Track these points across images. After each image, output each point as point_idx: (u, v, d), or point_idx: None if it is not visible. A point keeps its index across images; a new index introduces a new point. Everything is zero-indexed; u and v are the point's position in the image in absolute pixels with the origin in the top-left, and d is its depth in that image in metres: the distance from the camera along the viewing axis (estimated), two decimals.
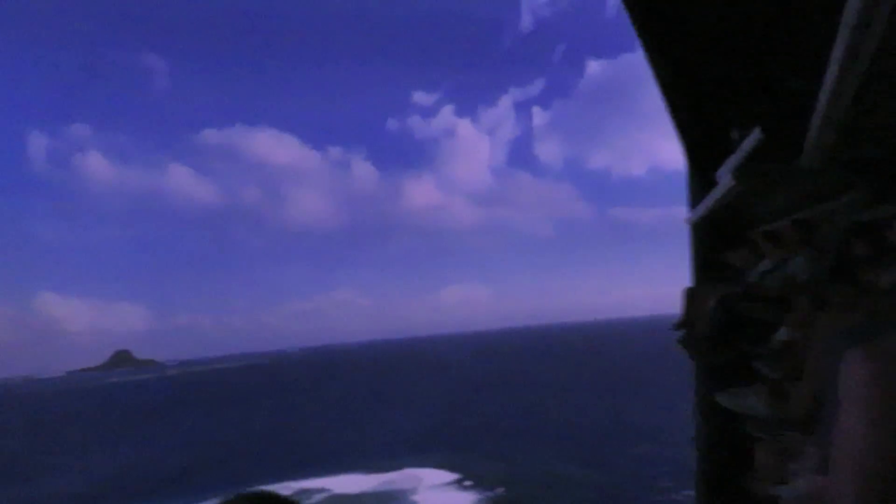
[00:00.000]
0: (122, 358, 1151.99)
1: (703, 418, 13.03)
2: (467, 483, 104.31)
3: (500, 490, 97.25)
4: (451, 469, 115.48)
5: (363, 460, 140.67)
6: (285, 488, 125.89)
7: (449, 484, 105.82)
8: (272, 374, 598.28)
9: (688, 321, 9.18)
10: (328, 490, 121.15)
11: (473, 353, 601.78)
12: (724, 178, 7.24)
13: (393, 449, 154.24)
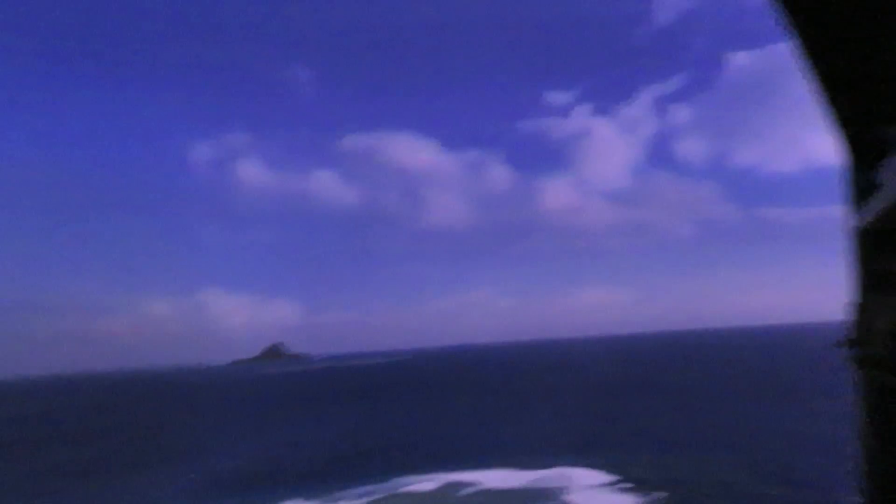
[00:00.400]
0: (275, 351, 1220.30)
1: (876, 440, 11.20)
2: (626, 485, 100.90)
3: (661, 494, 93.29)
4: (608, 470, 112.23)
5: (512, 457, 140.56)
6: (435, 480, 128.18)
7: (606, 485, 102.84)
8: (414, 370, 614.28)
9: (859, 339, 7.68)
10: (478, 484, 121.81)
11: (612, 356, 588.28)
12: (892, 179, 5.86)
13: (540, 447, 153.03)
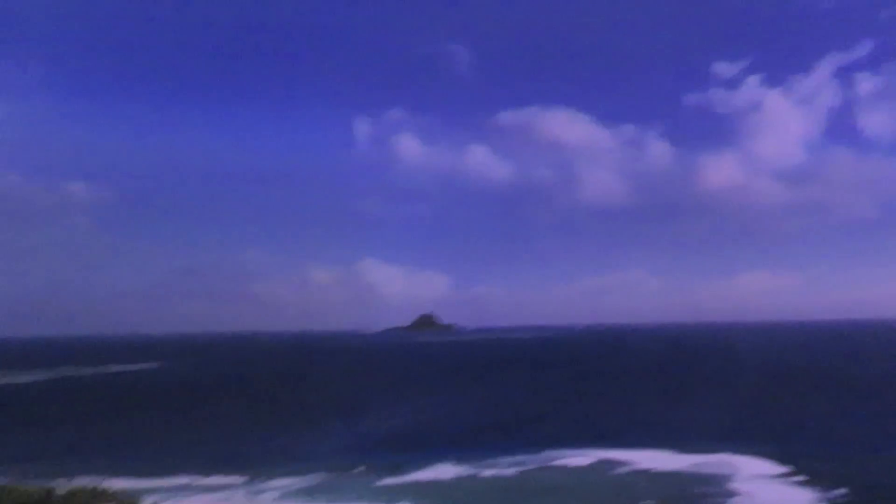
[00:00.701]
0: (425, 320, 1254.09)
1: None
2: (800, 478, 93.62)
3: (841, 491, 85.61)
4: (776, 460, 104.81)
5: (669, 439, 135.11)
6: (588, 455, 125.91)
7: (776, 476, 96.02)
8: (563, 346, 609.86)
9: None
10: (633, 463, 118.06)
11: (775, 343, 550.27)
12: None
13: (700, 431, 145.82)
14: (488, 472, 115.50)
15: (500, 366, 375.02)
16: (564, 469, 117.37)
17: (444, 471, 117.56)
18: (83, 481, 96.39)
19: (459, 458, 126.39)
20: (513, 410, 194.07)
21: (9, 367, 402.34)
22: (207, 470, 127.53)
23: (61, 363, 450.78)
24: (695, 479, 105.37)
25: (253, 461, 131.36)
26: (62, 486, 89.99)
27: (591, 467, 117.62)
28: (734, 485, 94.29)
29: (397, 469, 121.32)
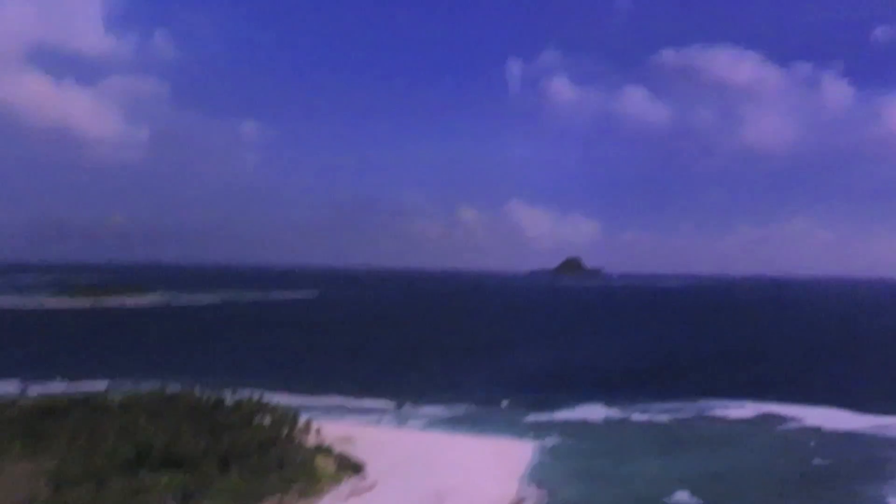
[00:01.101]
0: (571, 264, 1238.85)
1: None
2: None
3: None
4: None
5: (840, 397, 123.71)
6: (747, 408, 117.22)
7: None
8: (717, 296, 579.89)
9: None
10: (799, 419, 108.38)
11: None
12: None
13: (875, 391, 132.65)
14: (640, 417, 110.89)
15: (650, 312, 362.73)
16: (723, 420, 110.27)
17: (593, 412, 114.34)
18: (247, 394, 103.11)
19: (609, 401, 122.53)
20: (665, 357, 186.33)
21: (184, 290, 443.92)
22: (359, 393, 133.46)
23: (229, 288, 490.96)
24: (877, 442, 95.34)
25: (401, 388, 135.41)
26: (229, 397, 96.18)
27: (753, 421, 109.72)
28: None
29: (544, 406, 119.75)
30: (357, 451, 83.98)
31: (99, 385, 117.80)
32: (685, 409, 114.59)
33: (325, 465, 77.50)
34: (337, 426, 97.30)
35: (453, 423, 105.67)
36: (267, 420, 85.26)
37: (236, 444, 72.39)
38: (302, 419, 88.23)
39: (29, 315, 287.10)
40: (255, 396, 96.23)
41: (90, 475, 61.12)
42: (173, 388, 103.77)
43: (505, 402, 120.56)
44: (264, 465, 70.77)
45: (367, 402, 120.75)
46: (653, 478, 75.84)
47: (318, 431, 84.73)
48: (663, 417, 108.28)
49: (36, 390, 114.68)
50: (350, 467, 77.05)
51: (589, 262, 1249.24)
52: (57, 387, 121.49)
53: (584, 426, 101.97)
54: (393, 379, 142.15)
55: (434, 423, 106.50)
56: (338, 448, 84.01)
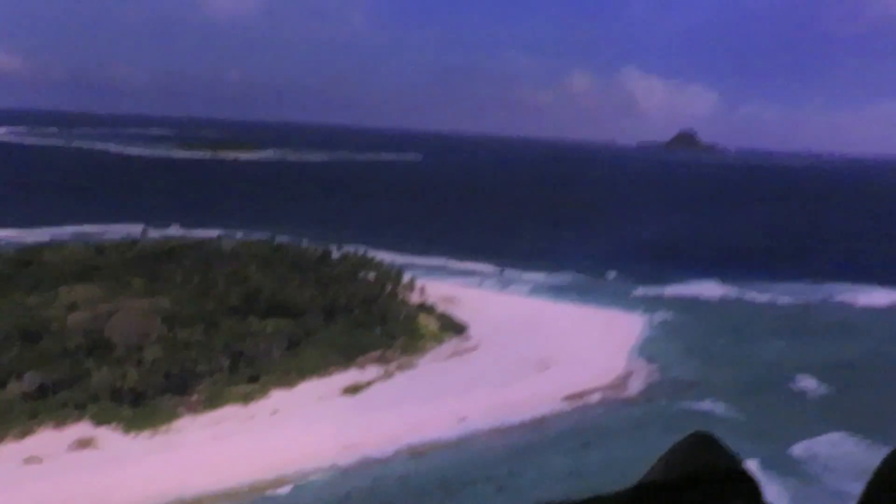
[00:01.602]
0: (685, 138, 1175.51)
1: None
2: None
3: None
4: None
5: None
6: (871, 294, 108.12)
7: None
8: (851, 178, 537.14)
9: None
10: None
11: None
12: None
13: None
14: (759, 298, 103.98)
15: (770, 191, 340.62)
16: (852, 307, 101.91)
17: (708, 289, 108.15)
18: (352, 250, 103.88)
19: (725, 279, 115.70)
20: (788, 238, 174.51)
21: (295, 148, 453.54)
22: (462, 255, 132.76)
23: (337, 148, 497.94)
24: None
25: (505, 254, 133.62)
26: (335, 251, 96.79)
27: (886, 309, 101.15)
28: None
29: (654, 280, 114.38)
30: (460, 312, 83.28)
31: (212, 233, 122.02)
32: (809, 293, 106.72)
33: (427, 323, 77.15)
34: (440, 286, 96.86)
35: (557, 292, 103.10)
36: (371, 276, 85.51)
37: (341, 296, 72.70)
38: (406, 277, 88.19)
39: (154, 163, 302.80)
40: (361, 252, 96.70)
41: (201, 317, 62.85)
42: (282, 239, 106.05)
43: (612, 274, 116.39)
44: (367, 318, 70.91)
45: (470, 265, 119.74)
46: (773, 361, 71.09)
47: (421, 290, 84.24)
48: (785, 299, 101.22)
49: (156, 234, 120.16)
50: (452, 328, 76.39)
51: (704, 137, 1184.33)
52: (174, 232, 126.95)
53: (697, 303, 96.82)
54: (497, 244, 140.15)
55: (538, 290, 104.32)
56: (441, 308, 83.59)
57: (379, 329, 69.25)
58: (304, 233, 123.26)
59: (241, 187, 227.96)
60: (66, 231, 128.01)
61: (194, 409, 52.92)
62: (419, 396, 57.69)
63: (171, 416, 51.70)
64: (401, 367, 64.68)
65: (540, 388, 61.06)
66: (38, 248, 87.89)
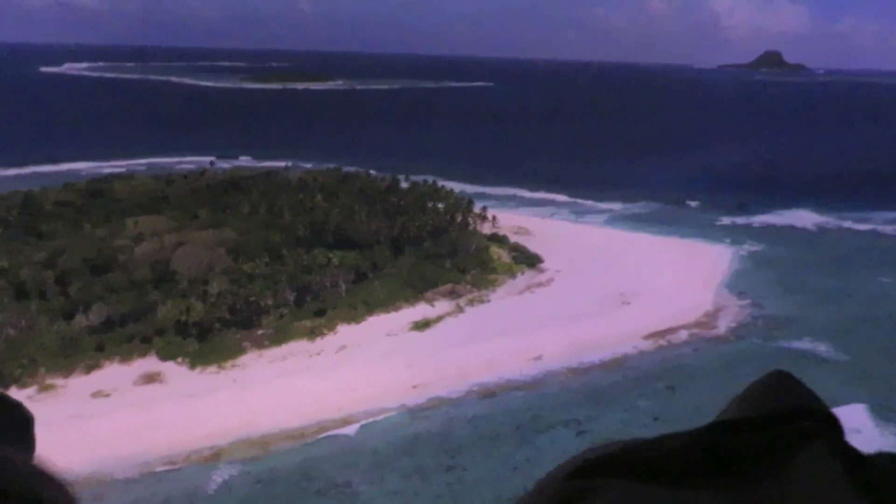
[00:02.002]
0: (770, 58, 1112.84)
1: None
2: None
3: None
4: None
5: None
6: None
7: None
8: None
9: None
10: None
11: None
12: None
13: None
14: (858, 226, 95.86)
15: (865, 114, 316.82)
16: None
17: (801, 217, 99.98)
18: (420, 179, 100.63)
19: (819, 207, 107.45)
20: (889, 162, 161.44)
21: (364, 77, 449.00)
22: (534, 185, 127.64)
23: (406, 77, 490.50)
24: None
25: (578, 183, 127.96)
26: (403, 181, 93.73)
27: None
28: None
29: (741, 209, 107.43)
30: (533, 244, 79.41)
31: (280, 164, 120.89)
32: None
33: (500, 255, 73.77)
34: (513, 216, 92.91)
35: (635, 221, 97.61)
36: (441, 206, 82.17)
37: (410, 227, 69.87)
38: (477, 207, 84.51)
39: (225, 94, 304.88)
40: (430, 182, 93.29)
41: (267, 249, 61.21)
42: (350, 169, 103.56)
43: (694, 203, 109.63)
44: (437, 251, 68.01)
45: (542, 195, 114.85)
46: (878, 295, 64.89)
47: (493, 220, 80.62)
48: (888, 229, 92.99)
49: (225, 165, 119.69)
50: (526, 260, 72.78)
51: (790, 58, 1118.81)
52: (244, 163, 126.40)
53: (791, 232, 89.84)
54: (568, 173, 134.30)
55: (614, 220, 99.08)
56: (513, 239, 79.93)
57: (449, 262, 66.29)
58: (372, 162, 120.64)
59: (310, 117, 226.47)
60: (141, 163, 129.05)
61: (259, 343, 51.61)
62: (491, 333, 54.76)
63: (236, 351, 50.58)
64: (472, 302, 61.78)
65: (620, 326, 57.12)
66: (109, 178, 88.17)
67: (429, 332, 56.24)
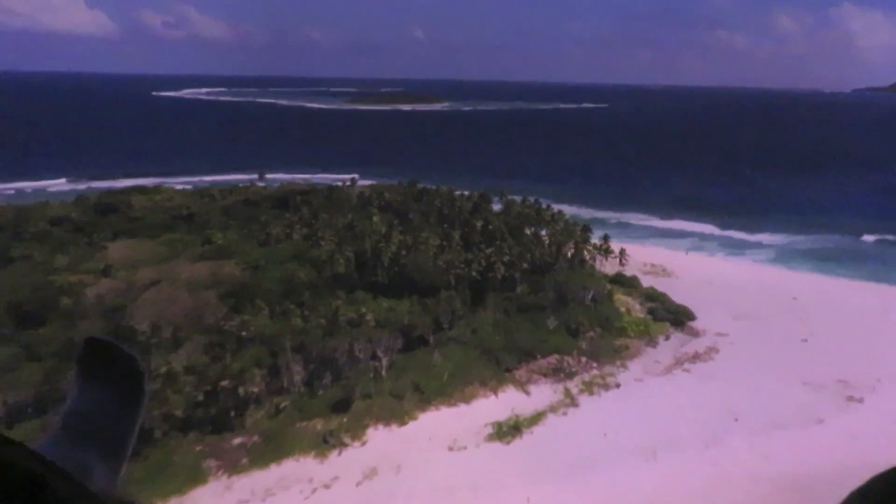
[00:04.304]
0: None
1: None
2: None
3: None
4: None
5: None
6: None
7: None
8: None
9: None
10: None
11: None
12: None
13: None
14: None
15: None
16: None
17: None
18: (518, 198, 79.37)
19: None
20: None
21: (473, 100, 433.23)
22: (665, 212, 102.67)
23: (517, 98, 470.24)
24: None
25: (721, 209, 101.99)
26: (497, 198, 72.87)
27: None
28: None
29: None
30: (676, 290, 55.89)
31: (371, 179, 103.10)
32: None
33: (629, 306, 50.97)
34: (641, 250, 69.92)
35: (815, 260, 71.94)
36: (544, 233, 60.27)
37: (497, 262, 48.40)
38: (595, 237, 62.17)
39: (329, 114, 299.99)
40: (531, 201, 71.64)
41: (285, 289, 41.61)
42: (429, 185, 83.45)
43: (872, 238, 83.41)
44: (537, 299, 46.12)
45: (679, 223, 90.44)
46: None
47: (621, 256, 57.92)
48: None
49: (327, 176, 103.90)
50: (668, 315, 49.53)
51: None
52: (319, 177, 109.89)
53: None
54: (710, 196, 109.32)
55: (784, 258, 73.67)
56: (646, 282, 57.08)
57: (554, 317, 44.35)
58: (467, 182, 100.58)
59: (415, 136, 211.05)
60: (226, 178, 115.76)
61: (233, 462, 31.56)
62: (625, 449, 32.57)
63: (191, 476, 30.89)
64: (591, 387, 39.58)
65: (862, 447, 32.86)
66: (127, 191, 72.14)
67: (521, 445, 34.31)
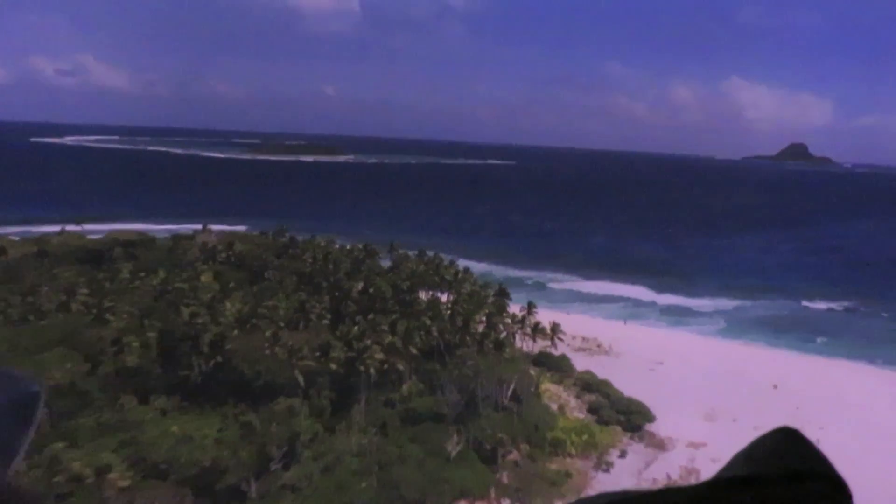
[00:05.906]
0: (796, 151, 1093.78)
1: None
2: None
3: None
4: None
5: None
6: None
7: None
8: None
9: None
10: None
11: None
12: None
13: None
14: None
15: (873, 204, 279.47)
16: None
17: None
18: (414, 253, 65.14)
19: None
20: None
21: (376, 153, 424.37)
22: (589, 271, 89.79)
23: (424, 154, 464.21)
24: None
25: (651, 269, 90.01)
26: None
27: None
28: None
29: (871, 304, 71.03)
30: (618, 376, 42.06)
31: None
32: None
33: (563, 400, 36.81)
34: (568, 318, 56.19)
35: (775, 332, 60.10)
36: (445, 298, 45.72)
37: (372, 345, 33.37)
38: (515, 304, 48.09)
39: (222, 164, 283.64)
40: (430, 256, 57.09)
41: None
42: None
43: (822, 305, 74.10)
44: (434, 402, 31.11)
45: (606, 284, 78.02)
46: None
47: (553, 330, 43.45)
48: None
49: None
50: (616, 416, 35.62)
51: (817, 150, 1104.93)
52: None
53: None
54: (636, 254, 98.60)
55: (736, 329, 61.61)
56: (580, 363, 43.07)
57: (461, 428, 29.29)
58: (358, 235, 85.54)
59: (306, 187, 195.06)
60: (104, 228, 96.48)
61: None
62: None
63: None
64: None
65: None
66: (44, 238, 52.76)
67: None
